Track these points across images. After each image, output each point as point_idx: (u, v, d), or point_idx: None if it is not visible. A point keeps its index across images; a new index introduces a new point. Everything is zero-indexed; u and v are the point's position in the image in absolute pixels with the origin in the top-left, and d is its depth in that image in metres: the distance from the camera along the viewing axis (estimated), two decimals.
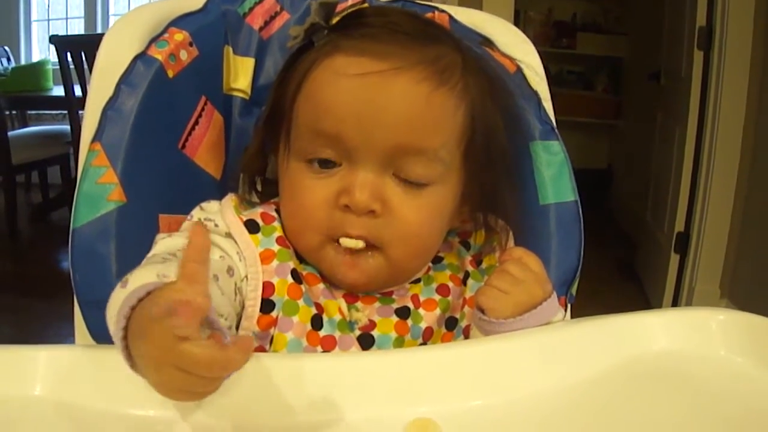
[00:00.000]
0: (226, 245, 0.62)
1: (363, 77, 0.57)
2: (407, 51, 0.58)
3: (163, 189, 0.67)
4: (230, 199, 0.65)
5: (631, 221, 3.66)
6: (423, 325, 0.63)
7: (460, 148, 0.62)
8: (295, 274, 0.62)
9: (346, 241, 0.59)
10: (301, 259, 0.64)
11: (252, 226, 0.63)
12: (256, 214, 0.64)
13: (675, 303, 2.58)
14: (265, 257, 0.62)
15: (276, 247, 0.63)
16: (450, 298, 0.66)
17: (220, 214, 0.64)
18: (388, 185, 0.59)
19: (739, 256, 2.46)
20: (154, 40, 0.67)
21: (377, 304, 0.64)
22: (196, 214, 0.65)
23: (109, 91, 0.64)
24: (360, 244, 0.59)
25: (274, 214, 0.65)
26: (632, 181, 3.76)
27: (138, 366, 0.43)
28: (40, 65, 3.61)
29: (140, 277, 0.46)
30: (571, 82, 4.49)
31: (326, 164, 0.59)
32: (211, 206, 0.65)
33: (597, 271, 2.99)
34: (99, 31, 4.41)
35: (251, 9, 0.76)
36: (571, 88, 4.42)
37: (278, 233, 0.64)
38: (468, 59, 0.63)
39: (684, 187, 2.54)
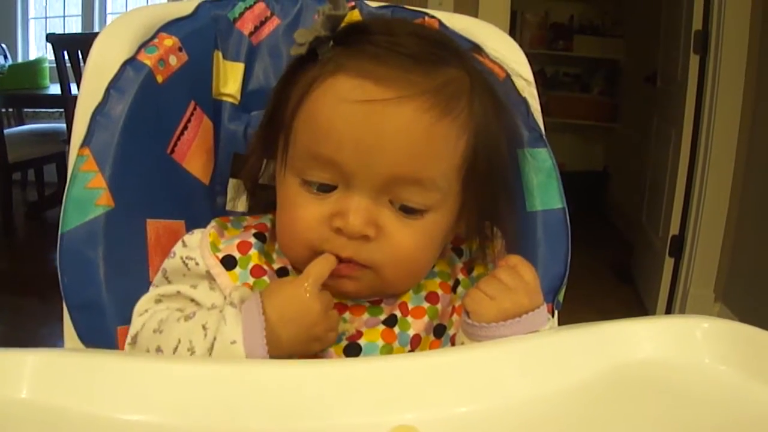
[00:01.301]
0: (202, 295, 0.63)
1: (365, 104, 0.56)
2: (412, 76, 0.57)
3: (152, 194, 0.67)
4: (208, 235, 0.65)
5: (626, 224, 3.67)
6: (411, 332, 0.63)
7: (460, 174, 0.62)
8: None
9: (339, 269, 0.60)
10: (286, 274, 0.65)
11: (229, 263, 0.63)
12: (233, 246, 0.64)
13: (669, 306, 2.58)
14: None
15: (251, 280, 0.63)
16: (439, 305, 0.66)
17: (200, 251, 0.64)
18: (383, 211, 0.59)
19: (734, 260, 2.47)
20: (143, 46, 0.67)
21: (366, 316, 0.64)
22: (179, 250, 0.65)
23: (99, 96, 0.64)
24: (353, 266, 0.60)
25: (252, 239, 0.65)
26: (628, 184, 3.77)
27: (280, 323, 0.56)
28: (37, 63, 3.61)
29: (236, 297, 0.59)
30: (568, 84, 4.50)
31: (322, 186, 0.59)
32: (193, 240, 0.65)
33: (592, 274, 3.00)
34: (96, 29, 4.41)
35: (241, 14, 0.76)
36: (567, 90, 4.43)
37: (253, 262, 0.64)
38: (476, 79, 0.62)
39: (679, 191, 2.55)
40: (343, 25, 0.60)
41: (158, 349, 0.58)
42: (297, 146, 0.60)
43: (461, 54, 0.63)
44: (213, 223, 0.67)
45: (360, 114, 0.56)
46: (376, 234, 0.59)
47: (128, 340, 0.61)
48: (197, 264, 0.63)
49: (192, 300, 0.63)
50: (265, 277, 0.63)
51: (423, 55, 0.59)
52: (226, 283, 0.62)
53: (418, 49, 0.59)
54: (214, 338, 0.55)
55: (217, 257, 0.63)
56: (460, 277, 0.69)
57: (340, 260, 0.60)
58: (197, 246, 0.64)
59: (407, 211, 0.60)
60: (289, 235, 0.62)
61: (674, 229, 2.57)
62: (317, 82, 0.59)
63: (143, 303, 0.63)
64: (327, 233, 0.59)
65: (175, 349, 0.57)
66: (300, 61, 0.61)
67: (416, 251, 0.61)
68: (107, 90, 0.64)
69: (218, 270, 0.63)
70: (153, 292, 0.64)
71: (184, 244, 0.65)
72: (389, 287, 0.64)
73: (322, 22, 0.59)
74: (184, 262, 0.64)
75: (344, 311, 0.64)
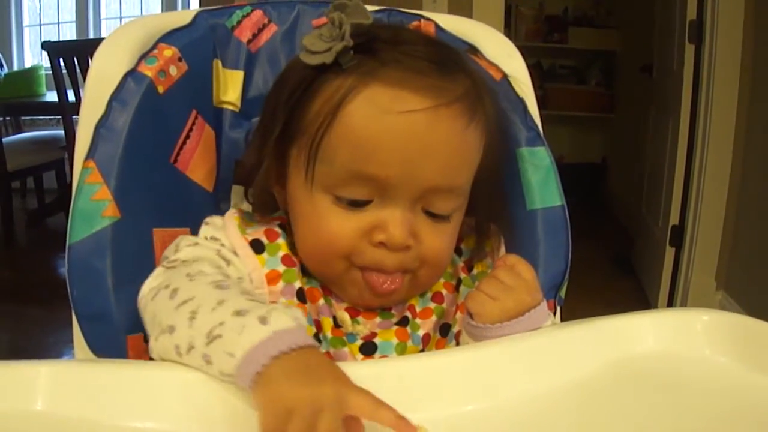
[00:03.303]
0: (238, 267, 0.63)
1: (407, 116, 0.56)
2: (443, 83, 0.58)
3: (157, 203, 0.67)
4: (233, 217, 0.65)
5: (626, 215, 3.68)
6: (421, 332, 0.65)
7: (474, 174, 0.64)
8: (300, 294, 0.63)
9: (381, 275, 0.61)
10: (304, 271, 0.65)
11: (257, 246, 0.64)
12: (260, 232, 0.65)
13: (671, 296, 2.59)
14: (271, 278, 0.63)
15: (282, 268, 0.63)
16: (444, 305, 0.67)
17: (224, 232, 0.64)
18: (418, 219, 0.61)
19: (734, 248, 2.47)
20: (143, 57, 0.68)
21: (378, 319, 0.65)
22: (203, 231, 0.65)
23: (101, 108, 0.65)
24: (396, 276, 0.62)
25: (278, 229, 0.66)
26: (627, 175, 3.77)
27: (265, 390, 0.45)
28: (33, 71, 3.60)
29: (281, 320, 0.47)
30: (564, 76, 4.49)
31: (357, 202, 0.59)
32: (215, 221, 0.66)
33: (593, 265, 3.00)
34: (91, 35, 4.40)
35: (239, 22, 0.76)
36: (564, 82, 4.43)
37: (283, 251, 0.64)
38: (479, 82, 0.63)
39: (678, 180, 2.55)
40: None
41: (174, 291, 0.54)
42: (333, 164, 0.58)
43: (465, 57, 0.65)
44: (233, 211, 0.67)
45: (404, 126, 0.56)
46: (415, 242, 0.60)
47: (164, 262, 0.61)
48: (223, 245, 0.63)
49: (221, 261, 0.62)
50: (296, 269, 0.64)
51: (443, 62, 0.60)
52: (253, 265, 0.63)
53: (437, 56, 0.60)
54: (220, 336, 0.48)
55: (246, 239, 0.64)
56: (462, 275, 0.70)
57: (382, 272, 0.61)
58: (221, 226, 0.65)
59: (437, 216, 0.61)
60: (323, 250, 0.61)
61: (674, 219, 2.58)
62: (351, 93, 0.57)
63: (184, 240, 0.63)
64: (365, 246, 0.60)
65: (185, 302, 0.52)
66: (317, 70, 0.59)
67: (446, 252, 0.64)
68: (109, 102, 0.65)
69: (246, 251, 0.63)
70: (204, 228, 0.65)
71: (207, 224, 0.66)
72: (420, 289, 0.66)
73: (348, 31, 0.57)
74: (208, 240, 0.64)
75: (357, 315, 0.65)
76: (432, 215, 0.61)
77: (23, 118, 4.14)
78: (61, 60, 2.85)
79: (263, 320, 0.47)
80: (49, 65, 2.89)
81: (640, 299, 2.75)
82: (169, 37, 0.71)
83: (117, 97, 0.65)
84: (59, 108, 2.98)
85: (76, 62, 2.82)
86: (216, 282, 0.54)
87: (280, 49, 0.78)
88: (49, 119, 4.14)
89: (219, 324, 0.48)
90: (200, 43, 0.73)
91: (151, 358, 0.55)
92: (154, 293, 0.56)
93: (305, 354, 0.46)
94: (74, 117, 2.85)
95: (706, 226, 2.49)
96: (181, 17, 0.74)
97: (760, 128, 2.32)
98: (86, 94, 0.69)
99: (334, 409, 0.43)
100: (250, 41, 0.77)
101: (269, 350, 0.45)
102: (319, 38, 0.58)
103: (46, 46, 2.91)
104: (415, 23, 0.79)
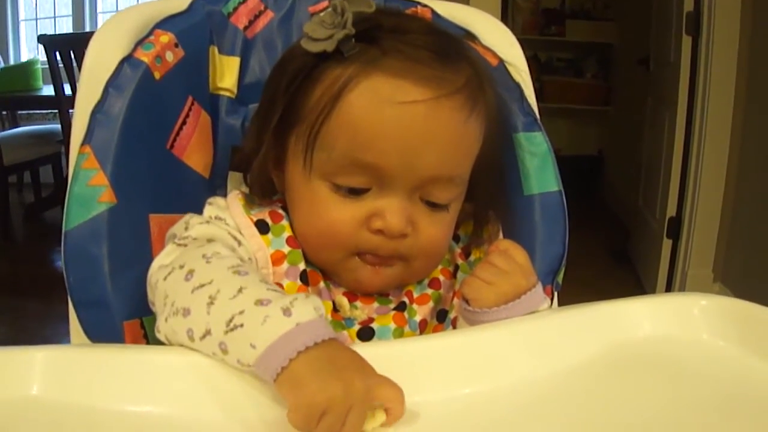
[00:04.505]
0: (246, 247, 0.62)
1: (407, 106, 0.56)
2: (444, 74, 0.58)
3: (153, 189, 0.67)
4: (237, 198, 0.65)
5: (623, 207, 3.68)
6: (418, 318, 0.65)
7: (473, 163, 0.64)
8: (303, 276, 0.63)
9: (374, 259, 0.61)
10: (305, 255, 0.65)
11: (262, 227, 0.64)
12: (264, 213, 0.65)
13: (668, 288, 2.59)
14: (276, 259, 0.63)
15: (287, 249, 0.63)
16: (441, 291, 0.67)
17: (228, 212, 0.64)
18: (416, 208, 0.61)
19: (731, 239, 2.48)
20: (140, 43, 0.68)
21: (375, 305, 0.65)
22: (207, 211, 0.65)
23: (97, 94, 0.65)
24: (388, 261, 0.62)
25: (282, 212, 0.66)
26: (624, 167, 3.78)
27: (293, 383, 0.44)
28: (30, 65, 3.60)
29: (304, 311, 0.47)
30: (561, 69, 4.49)
31: (355, 190, 0.59)
32: (219, 202, 0.66)
33: (591, 257, 3.01)
34: (87, 29, 4.39)
35: (235, 8, 0.76)
36: (561, 75, 4.43)
37: (288, 233, 0.64)
38: (481, 71, 0.63)
39: (675, 172, 2.56)
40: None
41: (190, 272, 0.53)
42: (332, 151, 0.58)
43: (467, 47, 0.65)
44: (236, 192, 0.67)
45: (404, 116, 0.56)
46: (412, 230, 0.60)
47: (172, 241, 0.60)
48: (227, 225, 0.63)
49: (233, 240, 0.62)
50: (300, 250, 0.64)
51: (445, 52, 0.59)
52: (258, 244, 0.63)
53: (439, 46, 0.59)
54: (241, 325, 0.47)
55: (251, 219, 0.64)
56: (459, 262, 0.70)
57: (376, 258, 0.61)
58: (224, 207, 0.65)
59: (435, 205, 0.61)
60: (321, 238, 0.62)
61: (671, 211, 2.58)
62: (352, 82, 0.57)
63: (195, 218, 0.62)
64: (364, 234, 0.60)
65: (202, 286, 0.51)
66: (317, 58, 0.59)
67: (443, 241, 0.64)
68: (106, 88, 0.65)
69: (252, 231, 0.63)
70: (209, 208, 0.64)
71: (211, 204, 0.65)
72: (415, 277, 0.66)
73: (352, 20, 0.57)
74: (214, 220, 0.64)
75: (355, 300, 0.65)
76: (430, 204, 0.61)
77: (20, 112, 4.13)
78: (58, 53, 2.84)
79: (286, 311, 0.46)
80: (45, 59, 2.89)
81: (637, 291, 2.75)
82: (166, 23, 0.70)
83: (113, 83, 0.65)
84: (56, 102, 2.97)
85: (72, 56, 2.81)
86: (234, 266, 0.53)
87: (276, 36, 0.77)
88: (46, 113, 4.13)
89: (239, 312, 0.47)
90: (197, 29, 0.73)
91: (154, 338, 0.55)
92: (166, 272, 0.55)
93: (330, 347, 0.46)
94: (71, 111, 2.84)
95: (703, 218, 2.50)
96: (178, 4, 0.73)
97: (757, 120, 2.33)
98: (82, 80, 0.68)
99: (363, 405, 0.44)
100: (246, 28, 0.76)
101: (295, 344, 0.44)
102: (320, 25, 0.58)
103: (42, 39, 2.90)
104: (412, 9, 0.79)
